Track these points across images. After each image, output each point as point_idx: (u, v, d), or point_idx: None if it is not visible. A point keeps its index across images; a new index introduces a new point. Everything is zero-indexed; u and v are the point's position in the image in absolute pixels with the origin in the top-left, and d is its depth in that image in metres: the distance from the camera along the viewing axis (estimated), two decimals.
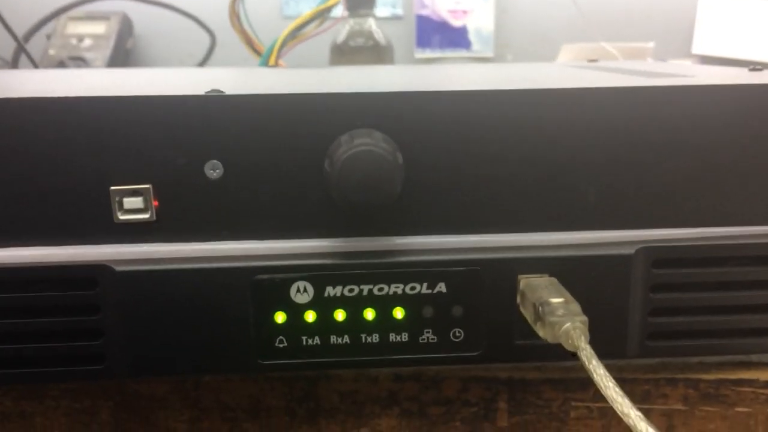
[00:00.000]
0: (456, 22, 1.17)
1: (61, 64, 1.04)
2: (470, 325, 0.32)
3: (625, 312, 0.32)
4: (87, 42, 1.08)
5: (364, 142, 0.28)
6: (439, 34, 1.17)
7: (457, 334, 0.32)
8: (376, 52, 0.95)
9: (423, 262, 0.31)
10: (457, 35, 1.17)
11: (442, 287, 0.31)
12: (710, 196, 0.31)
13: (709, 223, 0.32)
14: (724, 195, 0.31)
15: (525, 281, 0.31)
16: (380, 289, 0.31)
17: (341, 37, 0.95)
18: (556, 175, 0.31)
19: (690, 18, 1.15)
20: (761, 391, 0.34)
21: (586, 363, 0.26)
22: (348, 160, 0.27)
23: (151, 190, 0.30)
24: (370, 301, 0.31)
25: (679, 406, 0.35)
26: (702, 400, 0.34)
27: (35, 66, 0.85)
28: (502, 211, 0.31)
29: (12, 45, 0.87)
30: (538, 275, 0.31)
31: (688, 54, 1.14)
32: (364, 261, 0.31)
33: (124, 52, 1.11)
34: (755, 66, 0.40)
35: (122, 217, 0.30)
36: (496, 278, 0.31)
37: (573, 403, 0.35)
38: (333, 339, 0.31)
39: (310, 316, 0.31)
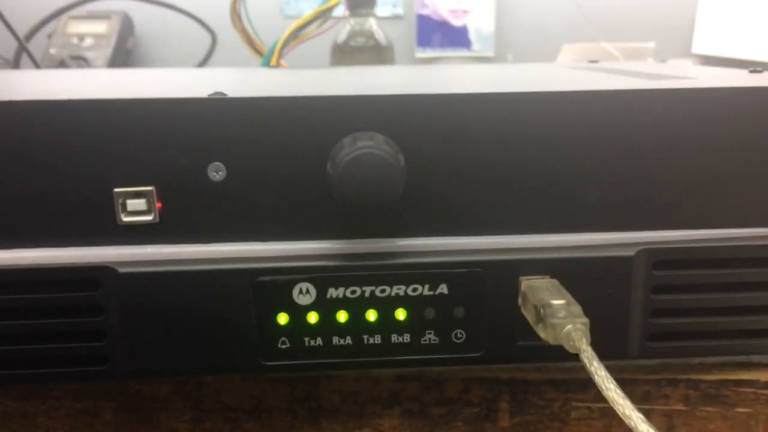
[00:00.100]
0: (456, 22, 1.17)
1: (62, 64, 1.04)
2: (472, 326, 0.32)
3: (626, 313, 0.32)
4: (88, 41, 1.08)
5: (367, 145, 0.28)
6: (440, 34, 1.17)
7: (459, 335, 0.32)
8: (377, 52, 0.95)
9: (425, 263, 0.31)
10: (457, 35, 1.17)
11: (443, 288, 0.31)
12: (711, 198, 0.31)
13: (709, 225, 0.32)
14: (725, 197, 0.32)
15: (526, 283, 0.31)
16: (382, 291, 0.31)
17: (342, 37, 0.95)
18: (557, 177, 0.31)
19: (690, 18, 1.15)
20: (762, 391, 0.34)
21: (588, 365, 0.26)
22: (350, 163, 0.27)
23: (155, 192, 0.30)
24: (372, 302, 0.31)
25: (680, 407, 0.35)
26: (703, 401, 0.34)
27: (36, 65, 0.85)
28: (504, 212, 0.31)
29: (13, 44, 0.87)
30: (540, 277, 0.31)
31: (688, 54, 1.14)
32: (366, 263, 0.31)
33: (124, 52, 1.11)
34: (755, 68, 0.40)
35: (125, 218, 0.30)
36: (498, 280, 0.31)
37: (574, 404, 0.35)
38: (335, 340, 0.31)
39: (313, 318, 0.31)
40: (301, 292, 0.31)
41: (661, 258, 0.31)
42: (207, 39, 1.07)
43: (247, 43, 0.68)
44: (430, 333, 0.32)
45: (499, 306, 0.31)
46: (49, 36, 1.07)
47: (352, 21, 0.94)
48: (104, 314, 0.31)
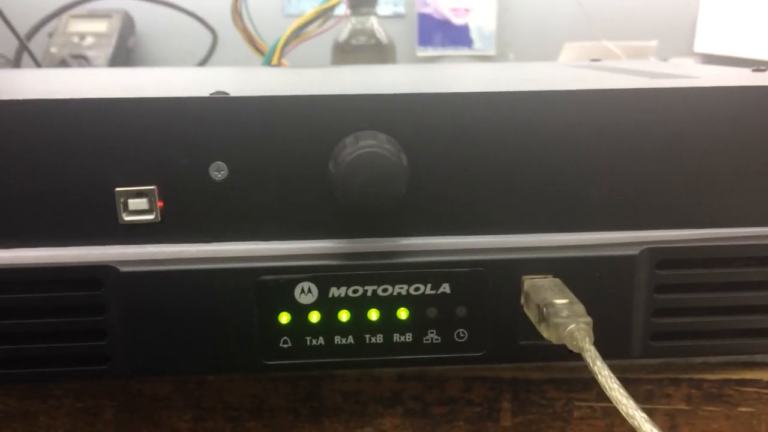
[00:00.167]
0: (458, 21, 1.17)
1: (62, 62, 1.04)
2: (474, 325, 0.32)
3: (629, 312, 0.32)
4: (89, 40, 1.08)
5: (369, 144, 0.28)
6: (441, 33, 1.17)
7: (461, 335, 0.32)
8: (378, 51, 0.95)
9: (427, 263, 0.31)
10: (458, 33, 1.17)
11: (446, 288, 0.31)
12: (714, 198, 0.31)
13: (712, 225, 0.32)
14: (728, 196, 0.31)
15: (529, 282, 0.31)
16: (384, 290, 0.31)
17: (343, 36, 0.95)
18: (560, 176, 0.31)
19: (692, 16, 1.15)
20: (764, 391, 0.34)
21: (591, 364, 0.26)
22: (353, 162, 0.27)
23: (156, 191, 0.30)
24: (375, 301, 0.31)
25: (683, 406, 0.35)
26: (705, 400, 0.34)
27: (37, 64, 0.85)
28: (506, 212, 0.31)
29: (14, 43, 0.87)
30: (542, 276, 0.31)
31: (690, 52, 1.14)
32: (368, 262, 0.31)
33: (125, 51, 1.11)
34: (758, 67, 0.40)
35: (127, 218, 0.30)
36: (500, 279, 0.31)
37: (576, 403, 0.35)
38: (337, 339, 0.31)
39: (315, 317, 0.31)
40: (303, 291, 0.31)
41: (664, 257, 0.31)
42: (208, 38, 1.07)
43: (248, 42, 0.68)
44: (432, 332, 0.32)
45: (501, 305, 0.31)
46: (50, 35, 1.07)
47: (353, 20, 0.94)
48: (106, 313, 0.31)
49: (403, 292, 0.31)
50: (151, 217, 0.30)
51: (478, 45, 1.17)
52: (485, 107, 0.30)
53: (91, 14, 1.10)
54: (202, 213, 0.30)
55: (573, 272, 0.31)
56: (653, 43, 1.01)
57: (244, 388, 0.35)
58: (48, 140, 0.29)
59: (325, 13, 0.67)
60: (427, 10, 1.17)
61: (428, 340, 0.32)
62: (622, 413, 0.24)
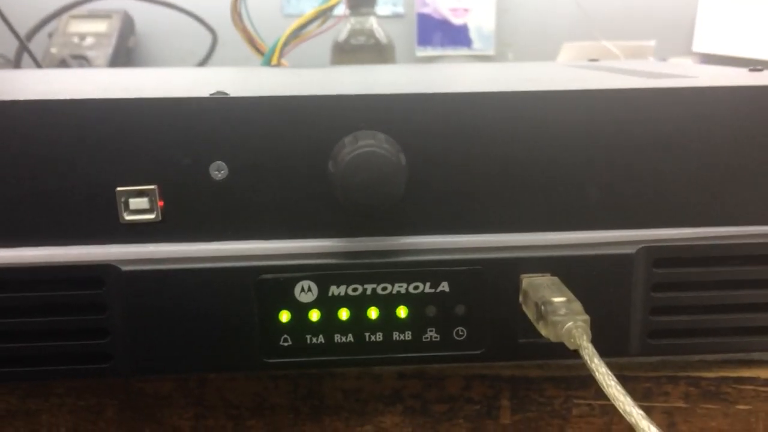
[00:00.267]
0: (457, 20, 1.17)
1: (63, 63, 1.04)
2: (473, 323, 0.32)
3: (627, 311, 0.32)
4: (89, 40, 1.08)
5: (368, 144, 0.28)
6: (440, 32, 1.17)
7: (460, 333, 0.32)
8: (378, 51, 0.95)
9: (426, 261, 0.31)
10: (458, 33, 1.17)
11: (445, 286, 0.31)
12: (711, 197, 0.32)
13: (709, 223, 0.32)
14: (725, 195, 0.32)
15: (527, 280, 0.31)
16: (384, 289, 0.31)
17: (342, 36, 0.95)
18: (558, 175, 0.31)
19: (691, 16, 1.15)
20: (762, 388, 0.34)
21: (588, 362, 0.26)
22: (352, 161, 0.28)
23: (157, 190, 0.30)
24: (374, 300, 0.31)
25: (681, 404, 0.35)
26: (703, 398, 0.35)
27: (38, 65, 0.85)
28: (505, 211, 0.31)
29: (14, 44, 0.87)
30: (541, 274, 0.31)
31: (688, 52, 1.14)
32: (367, 261, 0.31)
33: (125, 51, 1.11)
34: (755, 66, 0.40)
35: (128, 217, 0.30)
36: (499, 277, 0.31)
37: (575, 401, 0.35)
38: (337, 338, 0.32)
39: (315, 315, 0.31)
40: (303, 289, 0.31)
41: (661, 256, 0.32)
42: (208, 38, 1.07)
43: (247, 42, 0.68)
44: (431, 330, 0.32)
45: (500, 303, 0.32)
46: (50, 35, 1.07)
47: (352, 20, 0.94)
48: (107, 312, 0.31)
49: (403, 291, 0.31)
50: (151, 216, 0.30)
51: (477, 45, 1.17)
52: (483, 107, 0.30)
53: (91, 14, 1.10)
54: (203, 212, 0.30)
55: (571, 270, 0.31)
56: (652, 42, 1.01)
57: (245, 387, 0.35)
58: (49, 140, 0.29)
59: (324, 14, 0.67)
60: (426, 10, 1.17)
61: (427, 338, 0.32)
62: (620, 410, 0.24)
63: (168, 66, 1.14)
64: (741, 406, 0.35)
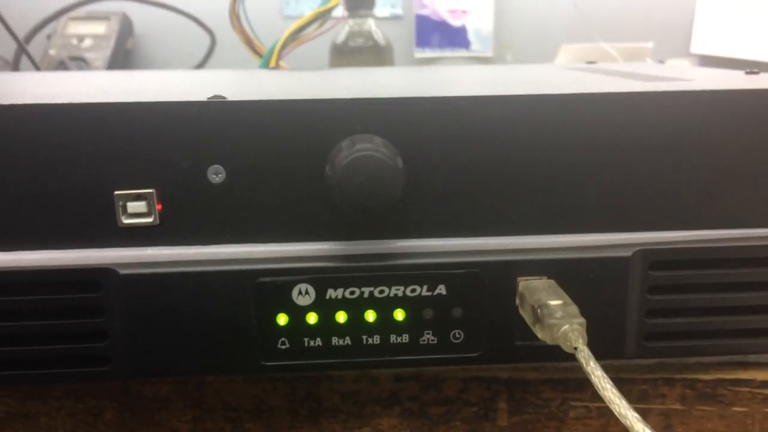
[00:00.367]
0: (455, 22, 1.17)
1: (61, 65, 1.04)
2: (470, 326, 0.32)
3: (623, 313, 0.32)
4: (87, 42, 1.08)
5: (365, 147, 0.28)
6: (439, 34, 1.18)
7: (457, 336, 0.32)
8: (376, 52, 0.95)
9: (423, 264, 0.31)
10: (456, 35, 1.17)
11: (442, 289, 0.31)
12: (706, 200, 0.32)
13: (705, 226, 0.32)
14: (720, 198, 0.32)
15: (524, 283, 0.31)
16: (381, 291, 0.31)
17: (341, 38, 0.95)
18: (554, 178, 0.31)
19: (689, 18, 1.15)
20: (758, 390, 0.34)
21: (584, 365, 0.26)
22: (349, 165, 0.28)
23: (155, 194, 0.30)
24: (371, 303, 0.31)
25: (677, 406, 0.35)
26: (699, 400, 0.35)
27: (36, 67, 0.86)
28: (501, 214, 0.31)
29: (13, 45, 0.87)
30: (537, 277, 0.31)
31: (687, 54, 1.14)
32: (364, 264, 0.31)
33: (124, 52, 1.11)
34: (751, 69, 0.40)
35: (126, 221, 0.30)
36: (496, 280, 0.31)
37: (572, 403, 0.35)
38: (334, 340, 0.32)
39: (312, 318, 0.31)
40: (300, 293, 0.31)
41: (657, 258, 0.32)
42: (206, 39, 1.07)
43: (246, 44, 0.68)
44: (428, 333, 0.32)
45: (497, 306, 0.32)
46: (49, 37, 1.07)
47: (351, 21, 0.94)
48: (106, 315, 0.31)
49: (400, 294, 0.31)
50: (149, 220, 0.30)
51: (476, 46, 1.17)
52: (480, 111, 0.30)
53: (89, 16, 1.10)
54: (201, 216, 0.31)
55: (567, 273, 0.31)
56: (650, 44, 1.01)
57: (244, 389, 0.35)
58: (48, 144, 0.29)
59: (323, 15, 0.67)
60: (424, 12, 1.17)
61: (425, 341, 0.32)
62: (615, 413, 0.25)
63: (166, 68, 1.14)
64: (737, 408, 0.35)
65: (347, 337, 0.32)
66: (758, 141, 0.31)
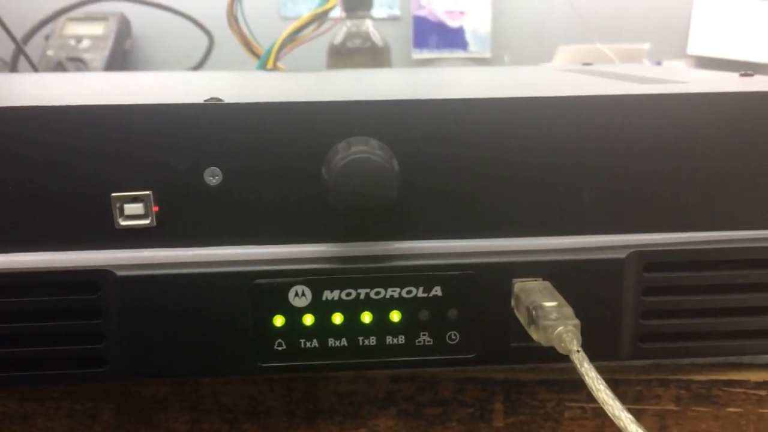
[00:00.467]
0: (453, 23, 1.17)
1: (59, 65, 1.04)
2: (466, 327, 0.32)
3: (618, 315, 0.32)
4: (85, 43, 1.08)
5: (361, 150, 0.28)
6: (436, 35, 1.18)
7: (453, 337, 0.32)
8: (373, 53, 0.95)
9: (419, 266, 0.32)
10: (454, 36, 1.18)
11: (437, 291, 0.32)
12: (700, 201, 0.32)
13: (699, 228, 0.32)
14: (714, 200, 0.32)
15: (519, 285, 0.31)
16: (377, 293, 0.31)
17: (338, 39, 0.95)
18: (549, 180, 0.31)
19: (685, 19, 1.15)
20: (752, 391, 0.35)
21: (579, 366, 0.26)
22: (345, 167, 0.28)
23: (152, 196, 0.30)
24: (367, 304, 0.32)
25: (672, 407, 0.35)
26: (694, 401, 0.35)
27: (34, 68, 0.86)
28: (497, 215, 0.32)
29: (11, 46, 0.87)
30: (532, 279, 0.32)
31: (683, 55, 1.15)
32: (361, 265, 0.31)
33: (122, 53, 1.11)
34: (746, 71, 0.40)
35: (123, 222, 0.30)
36: (491, 282, 0.32)
37: (567, 404, 0.35)
38: (331, 342, 0.32)
39: (308, 320, 0.32)
40: (296, 294, 0.31)
41: (651, 260, 0.32)
42: (204, 40, 1.07)
43: (244, 45, 0.68)
44: (424, 334, 0.32)
45: (492, 308, 0.32)
46: (47, 38, 1.07)
47: (348, 23, 0.94)
48: (103, 317, 0.31)
49: (396, 295, 0.32)
50: (146, 221, 0.30)
51: (473, 47, 1.18)
52: (475, 113, 0.30)
53: (87, 17, 1.10)
54: (197, 218, 0.31)
55: (562, 275, 0.31)
56: (646, 45, 1.01)
57: (240, 390, 0.35)
58: (45, 146, 0.29)
59: (320, 16, 0.67)
60: (422, 13, 1.17)
61: (420, 342, 0.32)
62: (609, 414, 0.25)
63: (164, 68, 1.14)
64: (731, 409, 0.35)
65: (343, 339, 0.32)
66: (752, 143, 0.31)
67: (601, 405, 0.25)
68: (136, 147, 0.30)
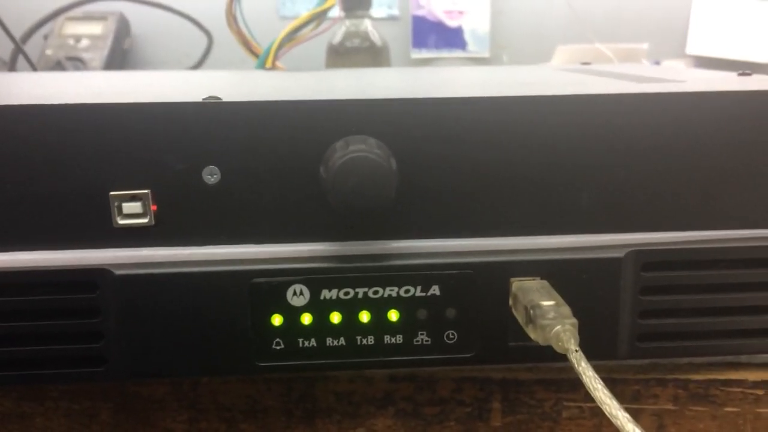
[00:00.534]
0: (452, 23, 1.17)
1: (58, 65, 1.04)
2: (464, 327, 0.32)
3: (616, 314, 0.32)
4: (84, 42, 1.08)
5: (359, 148, 0.28)
6: (435, 35, 1.18)
7: (451, 336, 0.32)
8: (372, 53, 0.95)
9: (417, 265, 0.32)
10: (452, 36, 1.18)
11: (435, 290, 0.32)
12: (698, 201, 0.32)
13: (697, 227, 0.32)
14: (712, 199, 0.32)
15: (517, 284, 0.31)
16: (375, 292, 0.31)
17: (337, 38, 0.95)
18: (547, 179, 0.31)
19: (684, 19, 1.15)
20: (750, 391, 0.35)
21: (576, 365, 0.26)
22: (343, 166, 0.28)
23: (150, 195, 0.30)
24: (365, 303, 0.32)
25: (669, 406, 0.35)
26: (692, 400, 0.35)
27: (33, 67, 0.86)
28: (495, 214, 0.32)
29: (10, 46, 0.87)
30: (530, 278, 0.32)
31: (682, 54, 1.15)
32: (359, 264, 0.31)
33: (121, 53, 1.11)
34: (744, 71, 0.40)
35: (121, 221, 0.30)
36: (489, 281, 0.32)
37: (565, 403, 0.35)
38: (329, 341, 0.32)
39: (307, 319, 0.32)
40: (295, 293, 0.31)
41: (649, 260, 0.32)
42: (203, 40, 1.07)
43: (242, 44, 0.68)
44: (422, 334, 0.32)
45: (490, 307, 0.32)
46: (46, 37, 1.07)
47: (347, 22, 0.94)
48: (101, 316, 0.31)
49: (394, 294, 0.32)
50: (145, 220, 0.30)
51: (472, 47, 1.18)
52: (473, 112, 0.30)
53: (86, 16, 1.10)
54: (196, 216, 0.31)
55: (560, 274, 0.32)
56: (645, 45, 1.02)
57: (238, 390, 0.35)
58: (44, 145, 0.29)
59: (319, 16, 0.67)
60: (421, 13, 1.17)
61: (418, 341, 0.32)
62: (606, 413, 0.25)
63: (163, 68, 1.14)
64: (729, 409, 0.35)
65: (342, 338, 0.32)
66: (750, 142, 0.31)
67: (599, 404, 0.25)
68: (134, 146, 0.30)
